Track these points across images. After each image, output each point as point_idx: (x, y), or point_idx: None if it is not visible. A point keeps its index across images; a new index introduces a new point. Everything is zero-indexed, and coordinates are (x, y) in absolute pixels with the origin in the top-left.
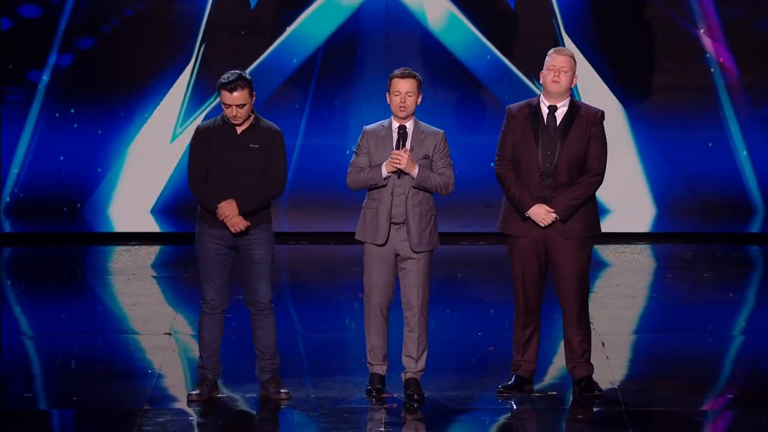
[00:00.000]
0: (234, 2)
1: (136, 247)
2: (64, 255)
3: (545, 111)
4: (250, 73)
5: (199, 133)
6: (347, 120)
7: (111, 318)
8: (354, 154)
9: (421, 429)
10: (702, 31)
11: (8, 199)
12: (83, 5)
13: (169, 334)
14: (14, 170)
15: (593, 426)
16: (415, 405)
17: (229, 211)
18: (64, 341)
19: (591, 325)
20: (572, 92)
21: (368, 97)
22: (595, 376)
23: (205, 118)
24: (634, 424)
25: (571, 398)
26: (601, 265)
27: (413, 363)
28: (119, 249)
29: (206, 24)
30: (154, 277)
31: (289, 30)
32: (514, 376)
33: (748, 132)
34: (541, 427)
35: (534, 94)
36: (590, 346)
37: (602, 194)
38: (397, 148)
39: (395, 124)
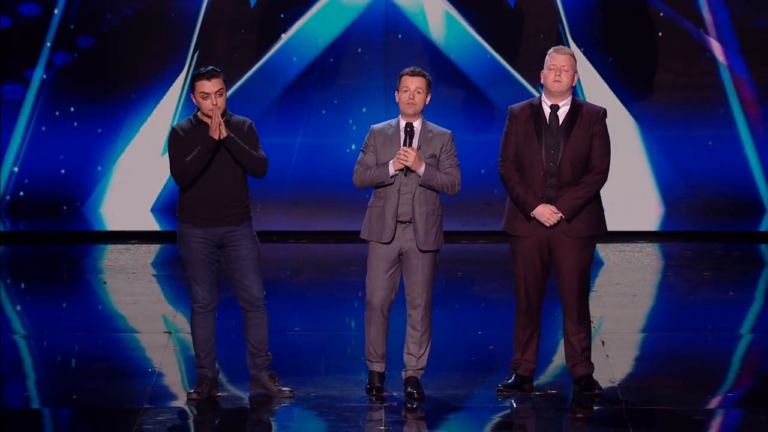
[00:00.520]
0: (234, 1)
1: (135, 245)
2: (63, 254)
3: (547, 110)
4: (251, 73)
5: (175, 133)
6: (348, 119)
7: (111, 316)
8: (361, 152)
9: (421, 427)
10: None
11: (8, 197)
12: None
13: (169, 332)
14: (14, 169)
15: (593, 425)
16: (415, 404)
17: (212, 124)
18: (64, 340)
19: (591, 324)
20: (575, 91)
21: (368, 96)
22: (595, 375)
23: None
24: (635, 423)
25: (571, 397)
26: (600, 263)
27: (414, 360)
28: (119, 247)
29: (205, 23)
30: (153, 275)
31: (290, 29)
32: (514, 374)
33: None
34: (541, 426)
35: (531, 94)
36: (591, 344)
37: (608, 193)
38: (405, 145)
39: (403, 123)
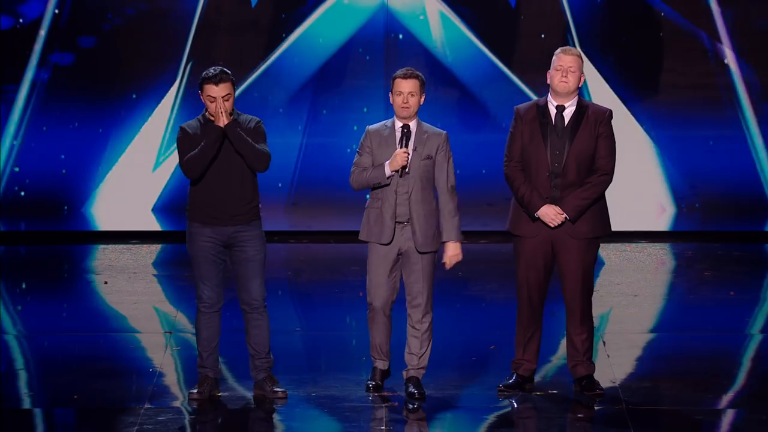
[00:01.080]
0: (234, 1)
1: (136, 245)
2: (64, 253)
3: (553, 111)
4: (253, 74)
5: (184, 131)
6: (348, 119)
7: (112, 316)
8: (357, 154)
9: (422, 427)
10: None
11: (8, 197)
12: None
13: (170, 332)
14: (14, 169)
15: (594, 424)
16: (416, 404)
17: (215, 112)
18: (65, 340)
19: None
20: (582, 92)
21: (369, 96)
22: (597, 375)
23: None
24: (636, 423)
25: (572, 397)
26: (602, 263)
27: (416, 360)
28: (120, 247)
29: (206, 23)
30: (154, 275)
31: (291, 30)
32: (515, 374)
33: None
34: (542, 426)
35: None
36: (593, 345)
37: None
38: (400, 147)
39: (398, 124)
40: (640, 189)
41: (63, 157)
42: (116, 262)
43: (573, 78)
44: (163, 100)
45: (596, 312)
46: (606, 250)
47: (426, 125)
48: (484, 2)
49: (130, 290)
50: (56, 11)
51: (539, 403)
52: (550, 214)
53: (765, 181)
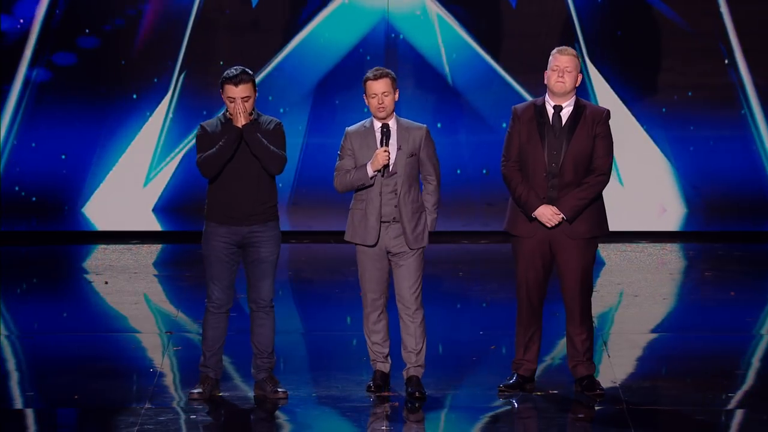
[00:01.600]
0: (235, 1)
1: (137, 245)
2: (65, 253)
3: (550, 111)
4: (253, 72)
5: (203, 130)
6: (349, 119)
7: (112, 316)
8: (338, 158)
9: (423, 428)
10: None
11: (8, 197)
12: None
13: (171, 332)
14: (15, 169)
15: (595, 425)
16: (417, 404)
17: (234, 113)
18: (65, 339)
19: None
20: (586, 92)
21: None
22: (597, 375)
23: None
24: (636, 423)
25: (573, 397)
26: (602, 263)
27: (413, 357)
28: (120, 248)
29: (206, 23)
30: (155, 275)
31: (291, 31)
32: (516, 375)
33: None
34: (543, 426)
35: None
36: (593, 345)
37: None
38: (381, 146)
39: (377, 124)
40: (640, 189)
41: (63, 157)
42: (116, 262)
43: (570, 78)
44: (163, 101)
45: (596, 312)
46: (606, 250)
47: (405, 120)
48: (484, 2)
49: (130, 290)
50: (56, 11)
51: (540, 403)
52: (547, 214)
53: None
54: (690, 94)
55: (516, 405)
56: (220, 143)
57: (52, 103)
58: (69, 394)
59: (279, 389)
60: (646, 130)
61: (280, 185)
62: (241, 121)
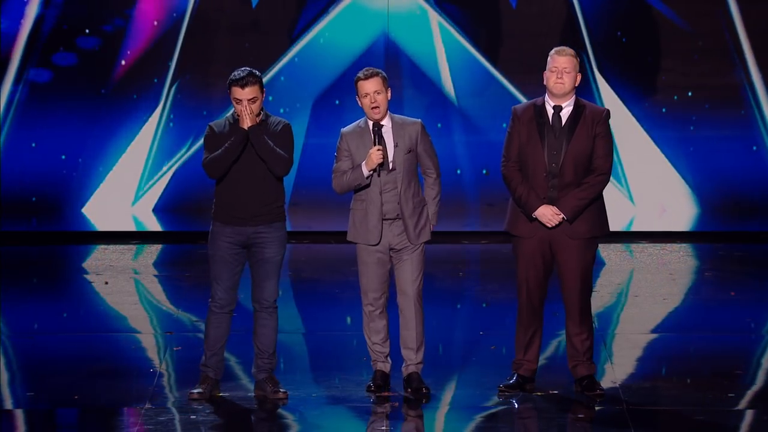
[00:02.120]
0: (235, 1)
1: (138, 245)
2: (65, 254)
3: (550, 111)
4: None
5: (211, 130)
6: (349, 119)
7: (112, 316)
8: (335, 159)
9: (422, 427)
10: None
11: (7, 197)
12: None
13: (171, 332)
14: (15, 169)
15: (595, 425)
16: (423, 400)
17: (241, 115)
18: (65, 339)
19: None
20: (594, 93)
21: None
22: (597, 376)
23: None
24: (636, 424)
25: (573, 397)
26: (602, 263)
27: (413, 354)
28: (120, 248)
29: (205, 23)
30: (155, 275)
31: (292, 31)
32: (516, 375)
33: None
34: (543, 426)
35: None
36: (593, 345)
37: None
38: (375, 145)
39: (371, 123)
40: (639, 189)
41: (63, 157)
42: (116, 262)
43: (568, 78)
44: (163, 101)
45: (596, 312)
46: (606, 250)
47: (399, 117)
48: (484, 2)
49: (130, 290)
50: (57, 11)
51: (540, 403)
52: (548, 214)
53: None
54: (690, 94)
55: (516, 405)
56: (226, 145)
57: (52, 103)
58: (69, 394)
59: (279, 389)
60: (646, 131)
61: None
62: (246, 123)
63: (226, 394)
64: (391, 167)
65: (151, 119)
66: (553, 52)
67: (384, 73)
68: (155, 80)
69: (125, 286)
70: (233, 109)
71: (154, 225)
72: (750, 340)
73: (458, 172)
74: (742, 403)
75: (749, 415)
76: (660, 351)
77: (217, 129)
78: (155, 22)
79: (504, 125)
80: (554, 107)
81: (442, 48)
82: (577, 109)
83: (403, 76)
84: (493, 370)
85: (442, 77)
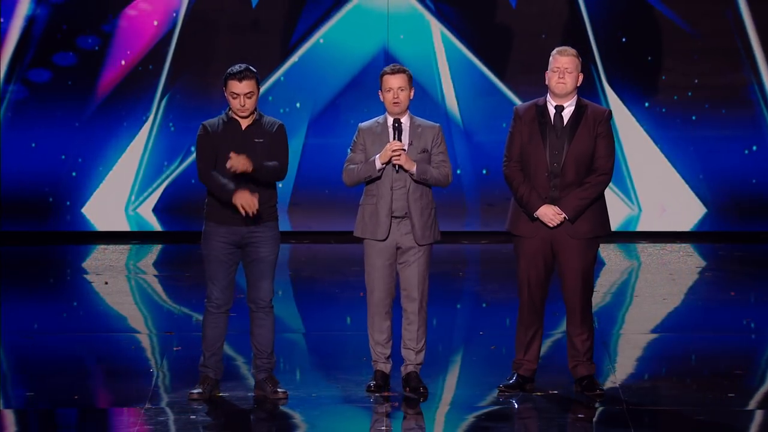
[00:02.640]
0: (235, 1)
1: (137, 245)
2: (65, 254)
3: (552, 111)
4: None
5: (204, 129)
6: (349, 119)
7: (112, 316)
8: (350, 152)
9: (422, 427)
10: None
11: (7, 197)
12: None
13: (171, 332)
14: (14, 169)
15: (595, 425)
16: (421, 399)
17: (243, 197)
18: (65, 340)
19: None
20: (596, 93)
21: (370, 96)
22: (597, 376)
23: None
24: (636, 424)
25: (573, 397)
26: (603, 264)
27: (413, 355)
28: (120, 248)
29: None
30: (155, 275)
31: (292, 31)
32: (516, 375)
33: None
34: (543, 426)
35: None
36: (593, 345)
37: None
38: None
39: (390, 120)
40: (639, 189)
41: (63, 157)
42: (116, 262)
43: (570, 79)
44: (163, 102)
45: (597, 312)
46: (606, 250)
47: (419, 119)
48: (484, 2)
49: (130, 290)
50: (57, 11)
51: (540, 403)
52: (549, 214)
53: None
54: (690, 94)
55: (516, 405)
56: (223, 185)
57: (52, 103)
58: (69, 394)
59: (279, 389)
60: (646, 131)
61: (280, 186)
62: (244, 167)
63: (226, 394)
64: (398, 168)
65: (150, 119)
66: (555, 52)
67: (410, 72)
68: (155, 80)
69: (125, 286)
70: (228, 107)
71: (154, 225)
72: (750, 340)
73: (458, 172)
74: (742, 403)
75: (749, 415)
76: (660, 351)
77: (210, 128)
78: (155, 22)
79: (504, 125)
80: (556, 107)
81: (441, 48)
82: (579, 108)
83: None
84: (493, 370)
85: (442, 77)
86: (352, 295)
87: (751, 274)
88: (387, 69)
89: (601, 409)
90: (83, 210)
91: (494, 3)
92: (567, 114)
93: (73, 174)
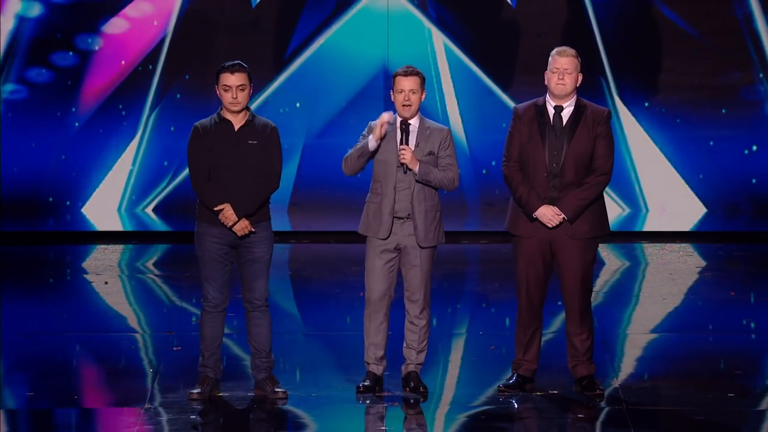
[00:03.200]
0: (235, 1)
1: (137, 245)
2: (64, 254)
3: (551, 111)
4: (252, 72)
5: (196, 131)
6: (349, 119)
7: (112, 316)
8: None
9: (422, 427)
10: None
11: (8, 197)
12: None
13: (171, 332)
14: (14, 169)
15: (595, 425)
16: (421, 399)
17: (231, 219)
18: (65, 340)
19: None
20: (602, 92)
21: (370, 96)
22: (597, 375)
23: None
24: (636, 423)
25: (573, 397)
26: (600, 263)
27: (414, 354)
28: (120, 248)
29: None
30: (155, 275)
31: (292, 31)
32: (516, 374)
33: None
34: (542, 426)
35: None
36: (593, 345)
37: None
38: (401, 143)
39: (398, 120)
40: (639, 189)
41: (63, 157)
42: (116, 262)
43: (570, 79)
44: (163, 102)
45: (596, 312)
46: (606, 250)
47: (428, 121)
48: (484, 2)
49: (130, 290)
50: (57, 11)
51: (539, 403)
52: (548, 214)
53: None
54: (691, 94)
55: (516, 405)
56: (210, 199)
57: (52, 103)
58: (68, 394)
59: (278, 389)
60: (646, 131)
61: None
62: (243, 234)
63: (226, 394)
64: (406, 168)
65: (150, 119)
66: (554, 52)
67: (423, 74)
68: (155, 80)
69: (125, 286)
70: (221, 107)
71: (154, 225)
72: (750, 340)
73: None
74: (742, 403)
75: (749, 415)
76: (660, 351)
77: (202, 129)
78: (155, 22)
79: (504, 125)
80: (555, 107)
81: (441, 47)
82: (578, 109)
83: None
84: (493, 370)
85: (441, 77)
86: (352, 295)
87: (751, 274)
88: (400, 70)
89: (601, 409)
90: (83, 210)
91: (494, 3)
92: (566, 114)
93: (73, 174)
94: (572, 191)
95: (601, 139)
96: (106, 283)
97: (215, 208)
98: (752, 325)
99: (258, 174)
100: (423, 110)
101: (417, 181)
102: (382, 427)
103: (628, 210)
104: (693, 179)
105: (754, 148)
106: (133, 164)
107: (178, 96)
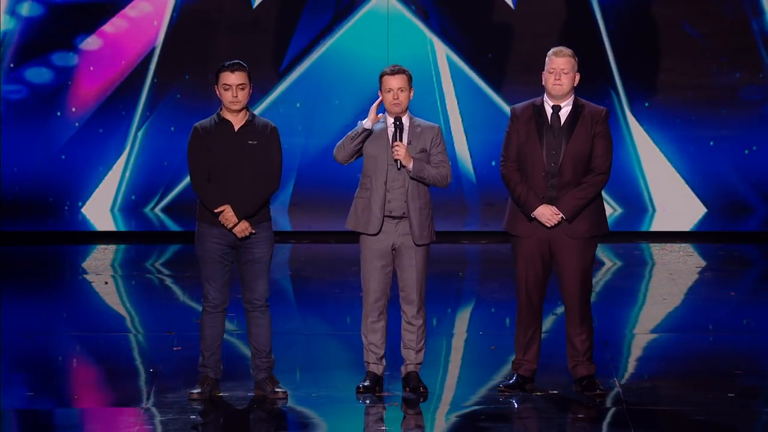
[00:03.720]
0: (235, 1)
1: (137, 245)
2: (65, 254)
3: (549, 111)
4: (253, 72)
5: (196, 132)
6: (349, 119)
7: (112, 317)
8: None
9: (422, 428)
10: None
11: (8, 197)
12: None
13: (171, 332)
14: (14, 169)
15: (595, 425)
16: (421, 399)
17: (231, 221)
18: (65, 340)
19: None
20: (606, 91)
21: (370, 96)
22: (597, 375)
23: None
24: (636, 423)
25: (573, 397)
26: (600, 263)
27: (413, 354)
28: (120, 248)
29: (205, 24)
30: (155, 275)
31: (292, 31)
32: (516, 375)
33: None
34: (542, 426)
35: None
36: (592, 345)
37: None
38: (395, 140)
39: (390, 119)
40: (639, 189)
41: (63, 157)
42: (116, 262)
43: (567, 79)
44: (163, 102)
45: (596, 312)
46: (607, 250)
47: (418, 119)
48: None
49: (130, 290)
50: (58, 11)
51: (539, 403)
52: (547, 214)
53: None
54: (691, 94)
55: (516, 405)
56: (210, 201)
57: (52, 103)
58: (68, 393)
59: (279, 389)
60: (646, 131)
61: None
62: (243, 236)
63: (226, 394)
64: (400, 165)
65: (151, 119)
66: (550, 52)
67: (410, 72)
68: (155, 80)
69: (125, 286)
70: (220, 107)
71: (154, 225)
72: (750, 340)
73: (458, 172)
74: (742, 403)
75: (749, 415)
76: (660, 351)
77: (202, 129)
78: (155, 22)
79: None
80: (553, 107)
81: (441, 47)
82: (576, 108)
83: None
84: (493, 370)
85: (442, 77)
86: (352, 295)
87: (751, 274)
88: (387, 70)
89: (601, 409)
90: (83, 210)
91: (494, 4)
92: (564, 114)
93: (73, 174)
94: (570, 191)
95: (600, 138)
96: (106, 283)
97: (215, 210)
98: (752, 325)
99: (258, 174)
100: (424, 111)
101: (411, 178)
102: (382, 427)
103: (631, 210)
104: (693, 179)
105: (754, 148)
106: (133, 164)
107: (178, 96)
